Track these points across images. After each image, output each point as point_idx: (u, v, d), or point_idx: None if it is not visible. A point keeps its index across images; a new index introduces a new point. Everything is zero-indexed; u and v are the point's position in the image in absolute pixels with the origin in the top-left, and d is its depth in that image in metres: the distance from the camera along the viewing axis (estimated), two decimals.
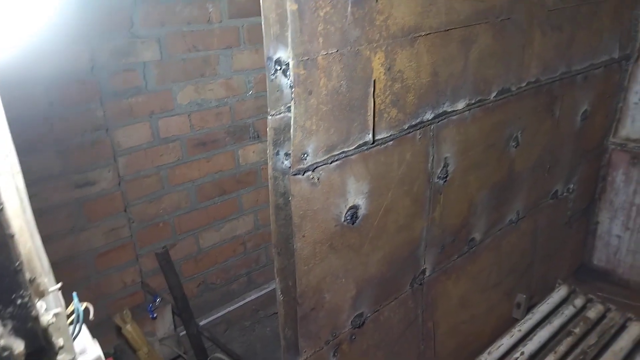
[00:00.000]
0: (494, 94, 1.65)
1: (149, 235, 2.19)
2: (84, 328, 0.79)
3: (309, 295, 1.35)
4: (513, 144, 1.83)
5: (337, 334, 1.45)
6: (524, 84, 1.76)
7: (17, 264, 0.52)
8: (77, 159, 1.86)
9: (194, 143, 2.23)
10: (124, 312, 1.97)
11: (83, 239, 1.95)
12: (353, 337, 1.51)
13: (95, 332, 0.83)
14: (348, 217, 1.34)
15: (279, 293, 1.35)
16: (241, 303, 2.50)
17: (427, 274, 1.72)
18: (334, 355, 1.46)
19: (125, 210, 2.06)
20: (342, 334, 1.47)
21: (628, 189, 2.40)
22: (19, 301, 0.54)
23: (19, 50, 1.55)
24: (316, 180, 1.22)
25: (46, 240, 0.66)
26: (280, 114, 1.14)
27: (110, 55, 1.89)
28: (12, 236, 0.51)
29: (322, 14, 1.07)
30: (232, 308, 2.48)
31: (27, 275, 0.56)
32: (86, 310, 0.75)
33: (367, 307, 1.53)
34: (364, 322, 1.54)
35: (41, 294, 0.63)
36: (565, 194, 2.30)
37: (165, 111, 2.11)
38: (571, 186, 2.31)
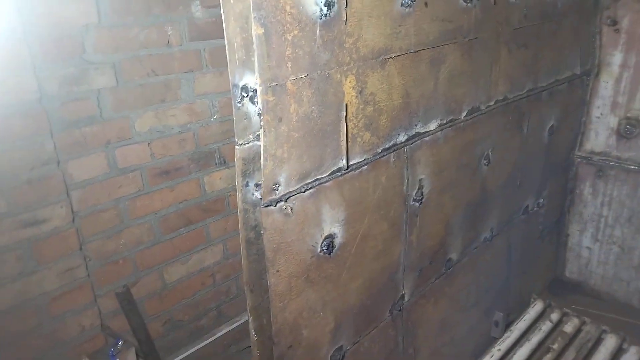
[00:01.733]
0: (464, 113, 1.64)
1: (108, 274, 2.04)
2: None
3: (286, 333, 1.26)
4: (484, 162, 1.82)
5: None
6: (492, 102, 1.75)
7: None
8: (25, 196, 1.71)
9: (155, 172, 2.11)
10: (83, 359, 1.81)
11: (34, 282, 1.79)
12: None
13: None
14: (324, 247, 1.27)
15: (253, 333, 1.26)
16: (211, 339, 2.37)
17: (406, 299, 1.66)
18: None
19: (80, 249, 1.91)
20: None
21: (596, 201, 2.44)
22: None
23: None
24: (289, 210, 1.15)
25: None
26: (248, 142, 1.06)
27: (61, 84, 1.76)
28: None
29: (289, 37, 1.01)
30: (201, 345, 2.34)
31: None
32: None
33: (346, 339, 1.45)
34: (343, 356, 1.46)
35: None
36: (536, 208, 2.31)
37: (122, 140, 1.99)
38: (541, 200, 2.33)
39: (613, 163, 2.35)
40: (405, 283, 1.63)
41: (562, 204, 2.53)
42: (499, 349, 2.05)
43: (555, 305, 2.27)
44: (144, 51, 1.96)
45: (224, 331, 2.40)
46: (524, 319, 2.21)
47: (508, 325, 2.20)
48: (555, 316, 2.22)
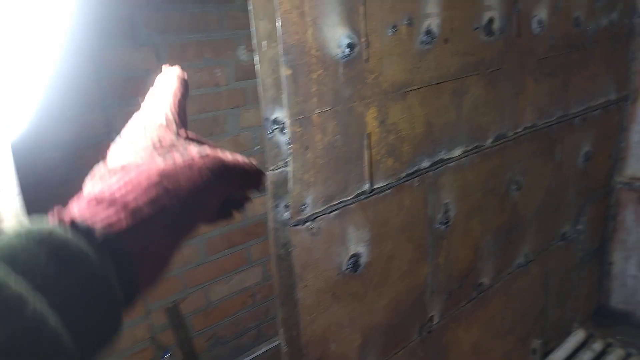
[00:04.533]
0: (490, 140, 1.70)
1: (159, 290, 2.21)
2: None
3: (314, 346, 1.35)
4: (514, 187, 1.86)
5: None
6: (520, 129, 1.81)
7: None
8: None
9: None
10: None
11: None
12: None
13: None
14: (350, 266, 1.36)
15: (284, 344, 1.36)
16: (251, 357, 2.48)
17: (435, 321, 1.70)
18: None
19: None
20: None
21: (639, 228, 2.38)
22: None
23: (38, 118, 1.66)
24: (316, 230, 1.26)
25: None
26: (278, 168, 1.20)
27: (126, 122, 2.00)
28: None
29: (315, 76, 1.15)
30: None
31: None
32: None
33: (374, 356, 1.52)
34: None
35: None
36: (574, 235, 2.28)
37: None
38: (580, 227, 2.30)
39: None
40: (433, 305, 1.68)
41: (604, 230, 2.48)
42: None
43: (598, 335, 2.21)
44: (197, 91, 2.19)
45: (263, 349, 2.51)
46: (563, 347, 2.17)
47: (546, 354, 2.16)
48: (597, 346, 2.16)
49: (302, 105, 1.16)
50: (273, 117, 1.17)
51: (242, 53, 2.29)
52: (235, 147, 2.35)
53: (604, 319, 2.51)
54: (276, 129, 1.17)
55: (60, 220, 0.36)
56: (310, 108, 1.17)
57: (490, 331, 1.97)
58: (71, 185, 1.81)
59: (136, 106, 1.90)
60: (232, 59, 2.25)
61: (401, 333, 1.59)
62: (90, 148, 1.90)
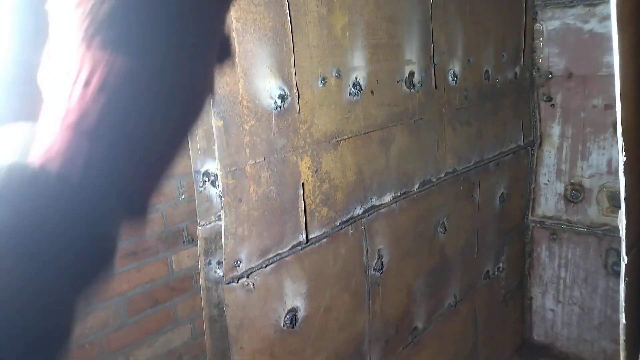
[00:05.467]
0: (416, 186, 1.76)
1: (73, 358, 1.98)
2: None
3: None
4: (441, 230, 1.93)
5: None
6: (442, 174, 1.90)
7: None
8: None
9: (123, 254, 2.13)
10: None
11: None
12: None
13: None
14: (287, 321, 1.31)
15: None
16: None
17: None
18: None
19: None
20: None
21: (553, 263, 2.55)
22: None
23: None
24: (251, 286, 1.20)
25: None
26: (210, 223, 1.14)
27: None
28: None
29: (247, 127, 1.13)
30: None
31: None
32: None
33: None
34: None
35: None
36: (496, 273, 2.40)
37: None
38: (501, 265, 2.42)
39: (564, 226, 2.49)
40: (372, 354, 1.65)
41: (522, 267, 2.63)
42: None
43: None
44: None
45: None
46: None
47: None
48: None
49: (235, 156, 1.12)
50: (204, 169, 1.12)
51: None
52: (160, 197, 2.23)
53: (530, 353, 2.62)
54: (207, 181, 1.12)
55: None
56: (243, 159, 1.14)
57: None
58: None
59: None
60: None
61: None
62: None
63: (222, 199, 1.11)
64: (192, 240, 2.37)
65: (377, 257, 1.61)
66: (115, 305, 2.11)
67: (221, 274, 1.14)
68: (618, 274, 2.32)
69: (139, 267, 2.18)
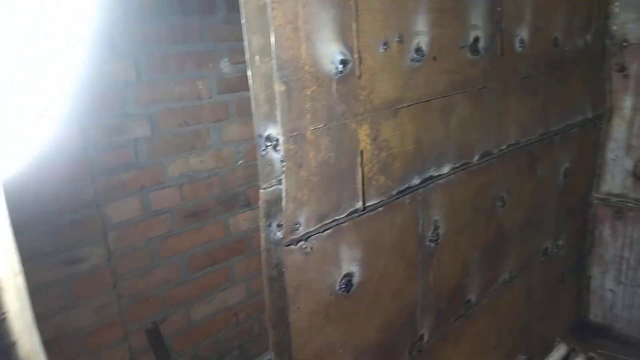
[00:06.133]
0: (476, 157, 1.71)
1: (138, 311, 2.13)
2: None
3: None
4: (499, 204, 1.87)
5: None
6: (504, 147, 1.83)
7: None
8: (67, 236, 1.85)
9: (184, 214, 2.24)
10: None
11: (71, 317, 1.89)
12: None
13: None
14: (343, 286, 1.33)
15: None
16: None
17: (426, 339, 1.68)
18: None
19: (114, 286, 2.02)
20: None
21: (616, 242, 2.43)
22: None
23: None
24: (309, 249, 1.23)
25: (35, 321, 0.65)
26: (271, 187, 1.17)
27: (102, 134, 1.94)
28: (13, 344, 0.51)
29: (308, 92, 1.13)
30: None
31: None
32: None
33: None
34: None
35: None
36: (555, 250, 2.32)
37: (155, 184, 2.13)
38: (560, 242, 2.34)
39: (631, 204, 2.36)
40: (423, 323, 1.66)
41: (582, 245, 2.53)
42: None
43: (579, 349, 2.24)
44: (178, 104, 2.14)
45: None
46: None
47: None
48: None
49: (296, 122, 1.13)
50: (266, 133, 1.14)
51: (225, 65, 2.26)
52: (218, 162, 2.30)
53: (584, 333, 2.55)
54: (269, 145, 1.14)
55: None
56: (304, 125, 1.15)
57: (477, 348, 1.96)
58: (44, 204, 1.73)
59: (115, 119, 1.84)
60: (215, 72, 2.22)
61: (393, 353, 1.57)
62: (66, 165, 1.83)
63: (283, 163, 1.13)
64: (249, 204, 2.45)
65: (432, 229, 1.60)
66: (177, 262, 2.23)
67: (281, 236, 1.18)
68: None
69: (199, 228, 2.29)
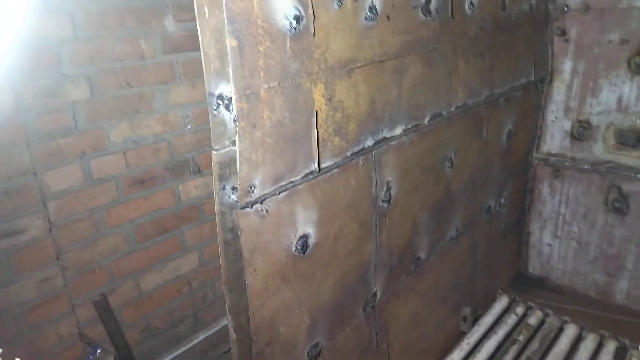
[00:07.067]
0: (427, 119, 1.74)
1: (84, 283, 2.05)
2: None
3: (263, 331, 1.32)
4: (448, 164, 1.93)
5: None
6: (453, 108, 1.87)
7: None
8: (2, 206, 1.73)
9: (130, 182, 2.14)
10: None
11: (12, 292, 1.79)
12: None
13: None
14: (299, 247, 1.34)
15: (232, 331, 1.31)
16: (189, 346, 2.39)
17: (378, 296, 1.74)
18: None
19: (57, 258, 1.92)
20: None
21: (554, 199, 2.59)
22: None
23: None
24: (265, 212, 1.22)
25: None
26: (224, 148, 1.13)
27: (37, 96, 1.79)
28: None
29: (262, 49, 1.09)
30: (179, 352, 2.36)
31: None
32: None
33: (322, 336, 1.52)
34: (319, 352, 1.52)
35: None
36: (497, 208, 2.44)
37: (97, 150, 2.02)
38: (502, 201, 2.46)
39: (568, 163, 2.51)
40: (376, 281, 1.71)
41: (523, 203, 2.67)
42: (468, 343, 2.15)
43: (519, 300, 2.39)
44: (118, 64, 2.01)
45: (201, 337, 2.43)
46: (490, 313, 2.32)
47: (476, 320, 2.30)
48: (520, 310, 2.34)
49: (249, 79, 1.09)
50: (218, 92, 1.09)
51: (169, 23, 2.13)
52: (165, 126, 2.20)
53: (524, 285, 2.73)
54: (221, 105, 1.10)
55: None
56: (258, 83, 1.11)
57: (426, 302, 2.05)
58: None
59: (50, 80, 1.70)
60: (159, 30, 2.09)
61: (347, 310, 1.61)
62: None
63: (237, 123, 1.09)
64: (199, 171, 2.38)
65: (385, 189, 1.62)
66: (124, 231, 2.15)
67: (235, 199, 1.15)
68: (618, 210, 2.37)
69: (147, 196, 2.20)
